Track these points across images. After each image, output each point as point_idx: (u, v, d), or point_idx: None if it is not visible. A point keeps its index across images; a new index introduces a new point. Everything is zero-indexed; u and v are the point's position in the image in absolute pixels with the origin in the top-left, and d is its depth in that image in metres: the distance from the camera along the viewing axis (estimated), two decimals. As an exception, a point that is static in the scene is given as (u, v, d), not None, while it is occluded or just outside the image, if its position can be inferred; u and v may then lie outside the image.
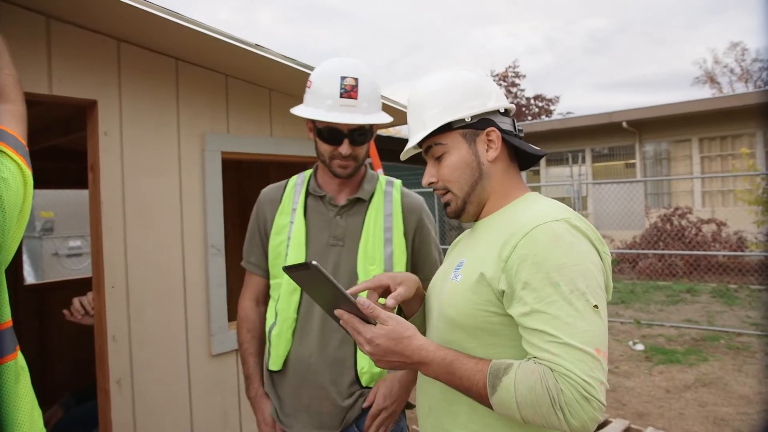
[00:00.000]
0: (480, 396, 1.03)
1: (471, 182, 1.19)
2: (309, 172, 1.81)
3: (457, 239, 1.38)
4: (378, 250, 1.65)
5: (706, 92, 27.19)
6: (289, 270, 1.06)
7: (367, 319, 1.09)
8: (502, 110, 1.21)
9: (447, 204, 1.23)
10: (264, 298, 1.82)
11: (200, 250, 2.56)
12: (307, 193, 1.73)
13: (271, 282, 1.75)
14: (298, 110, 1.66)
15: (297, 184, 1.78)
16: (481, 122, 1.18)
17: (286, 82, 2.86)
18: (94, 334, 2.22)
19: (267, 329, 1.72)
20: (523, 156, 1.24)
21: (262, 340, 1.79)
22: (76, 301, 2.05)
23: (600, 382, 0.96)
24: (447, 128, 1.18)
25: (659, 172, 13.34)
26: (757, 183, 9.64)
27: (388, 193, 1.73)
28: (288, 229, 1.68)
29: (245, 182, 4.31)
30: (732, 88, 26.56)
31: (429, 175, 1.23)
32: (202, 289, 2.56)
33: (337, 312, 1.10)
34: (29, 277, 8.99)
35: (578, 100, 55.36)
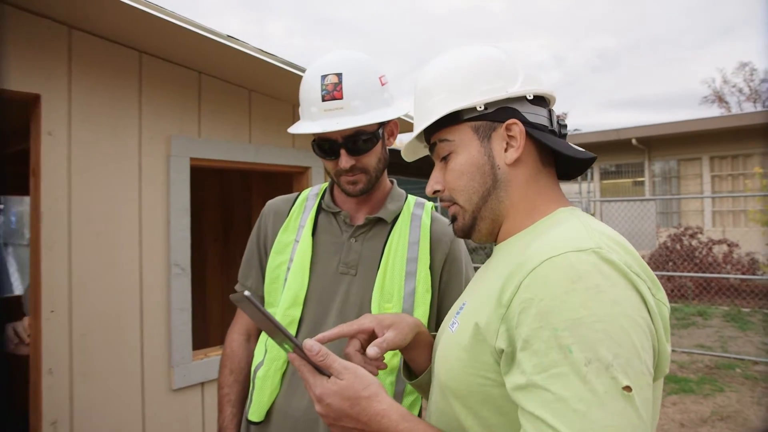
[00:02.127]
0: None
1: (482, 192, 0.89)
2: (325, 185, 1.51)
3: (482, 267, 1.04)
4: (397, 285, 1.35)
5: (714, 111, 27.00)
6: (237, 301, 0.82)
7: (320, 369, 0.83)
8: (531, 97, 0.89)
9: (454, 218, 0.94)
10: (257, 333, 1.53)
11: (162, 270, 2.25)
12: (320, 209, 1.44)
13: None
14: (291, 128, 1.36)
15: (309, 197, 1.49)
16: (500, 112, 0.88)
17: (268, 82, 2.57)
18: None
19: (252, 369, 1.42)
20: (563, 160, 0.92)
21: (246, 385, 1.49)
22: (9, 328, 1.75)
23: None
24: (454, 120, 0.89)
25: (668, 190, 13.05)
26: (771, 203, 9.33)
27: (416, 217, 1.42)
28: (291, 249, 1.40)
29: (228, 192, 4.02)
30: (740, 107, 26.35)
31: (434, 180, 0.94)
32: (162, 314, 2.24)
33: (290, 356, 0.85)
34: (16, 290, 8.68)
35: (585, 117, 55.40)
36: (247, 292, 0.79)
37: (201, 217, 3.64)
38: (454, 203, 0.93)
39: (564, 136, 0.91)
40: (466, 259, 1.44)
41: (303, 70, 2.34)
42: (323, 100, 1.26)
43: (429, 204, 1.48)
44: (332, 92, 1.26)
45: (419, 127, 0.93)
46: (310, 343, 0.82)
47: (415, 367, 1.08)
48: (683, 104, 50.14)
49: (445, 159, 0.92)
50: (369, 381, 0.82)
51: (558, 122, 0.91)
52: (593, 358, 0.66)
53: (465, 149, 0.89)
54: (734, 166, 12.05)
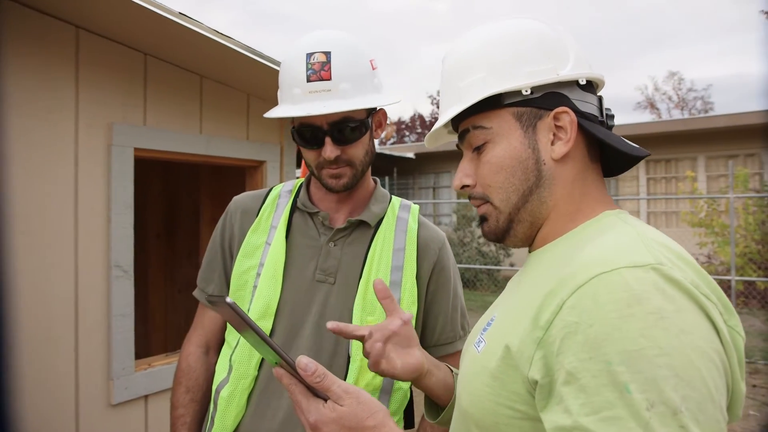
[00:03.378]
0: None
1: (522, 190, 0.77)
2: (300, 180, 1.36)
3: (515, 276, 0.91)
4: None
5: (647, 117, 28.47)
6: (213, 303, 0.79)
7: (315, 391, 0.72)
8: (584, 82, 0.77)
9: (484, 219, 0.81)
10: (217, 345, 1.36)
11: (101, 272, 2.02)
12: (294, 208, 1.28)
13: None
14: (269, 113, 1.20)
15: (282, 194, 1.33)
16: (548, 98, 0.76)
17: (222, 68, 2.38)
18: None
19: (215, 387, 1.25)
20: (610, 155, 0.81)
21: (204, 404, 1.31)
22: None
23: None
24: (493, 104, 0.77)
25: (607, 191, 13.61)
26: (700, 205, 9.83)
27: (401, 220, 1.29)
28: (262, 253, 1.25)
29: (174, 186, 3.75)
30: (669, 114, 27.90)
31: (463, 173, 0.81)
32: (101, 321, 2.02)
33: (276, 372, 0.74)
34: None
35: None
36: (229, 299, 0.68)
37: (143, 212, 3.38)
38: (487, 202, 0.79)
39: (611, 128, 0.80)
40: (454, 268, 1.33)
41: (263, 57, 2.17)
42: (308, 81, 1.11)
43: (415, 207, 1.35)
44: (319, 72, 1.11)
45: (451, 111, 0.79)
46: (305, 362, 0.69)
47: (436, 397, 0.97)
48: (619, 109, 52.44)
49: (478, 149, 0.79)
50: (374, 408, 0.71)
51: (606, 112, 0.79)
52: (657, 401, 0.55)
53: (504, 139, 0.76)
54: (668, 170, 12.68)
